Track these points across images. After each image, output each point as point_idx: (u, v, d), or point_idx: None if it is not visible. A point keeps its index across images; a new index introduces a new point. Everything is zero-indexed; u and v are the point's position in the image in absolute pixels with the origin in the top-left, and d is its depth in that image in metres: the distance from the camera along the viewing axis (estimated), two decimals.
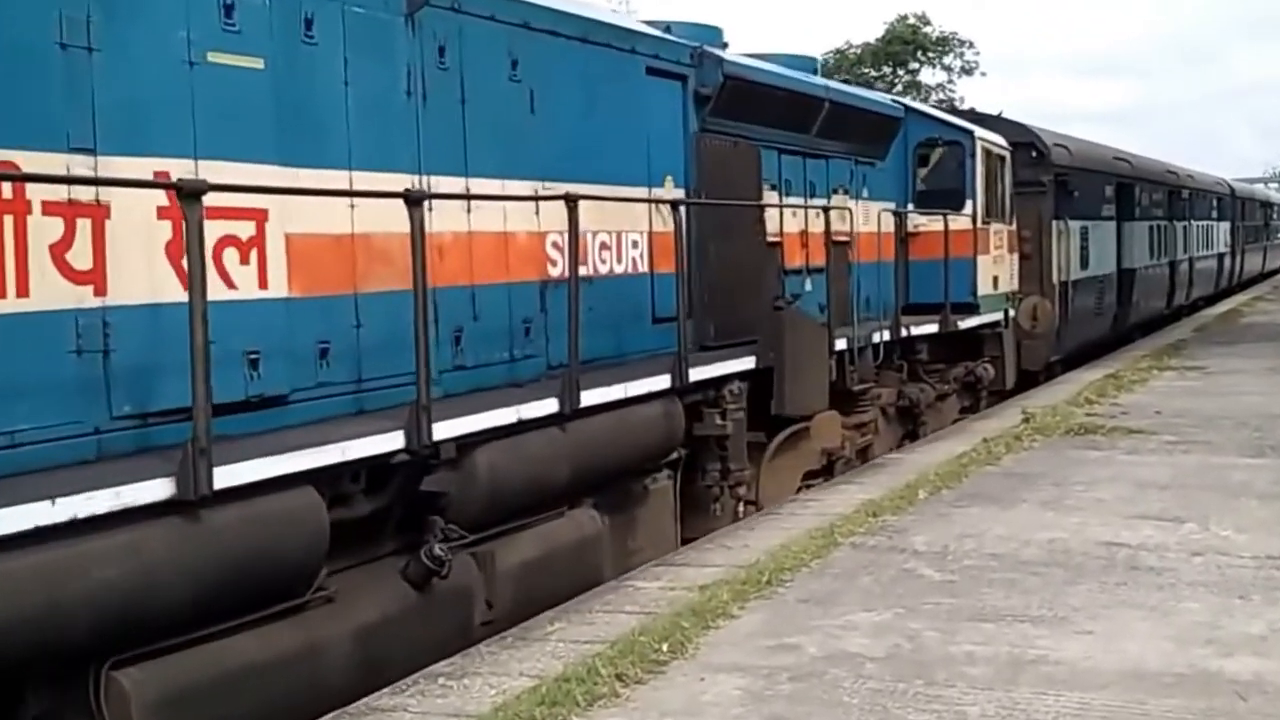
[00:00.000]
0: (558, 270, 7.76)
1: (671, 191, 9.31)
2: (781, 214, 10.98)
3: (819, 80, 12.50)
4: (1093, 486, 9.33)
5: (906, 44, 50.92)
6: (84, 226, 5.03)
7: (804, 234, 11.41)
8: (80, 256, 5.01)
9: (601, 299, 8.30)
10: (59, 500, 4.40)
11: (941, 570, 7.07)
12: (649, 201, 8.97)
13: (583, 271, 7.78)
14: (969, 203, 14.58)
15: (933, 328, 13.54)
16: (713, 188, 9.61)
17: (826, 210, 11.17)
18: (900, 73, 51.15)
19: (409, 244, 6.01)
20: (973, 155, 14.66)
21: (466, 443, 6.50)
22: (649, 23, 10.07)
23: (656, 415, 8.26)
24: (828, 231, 11.08)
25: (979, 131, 15.14)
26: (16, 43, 4.81)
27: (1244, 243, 40.28)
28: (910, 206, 14.24)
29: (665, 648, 5.59)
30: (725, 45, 10.71)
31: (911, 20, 51.06)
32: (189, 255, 4.92)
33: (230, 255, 5.63)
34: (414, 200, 6.03)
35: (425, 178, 6.81)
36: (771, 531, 8.20)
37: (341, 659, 5.75)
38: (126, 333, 5.15)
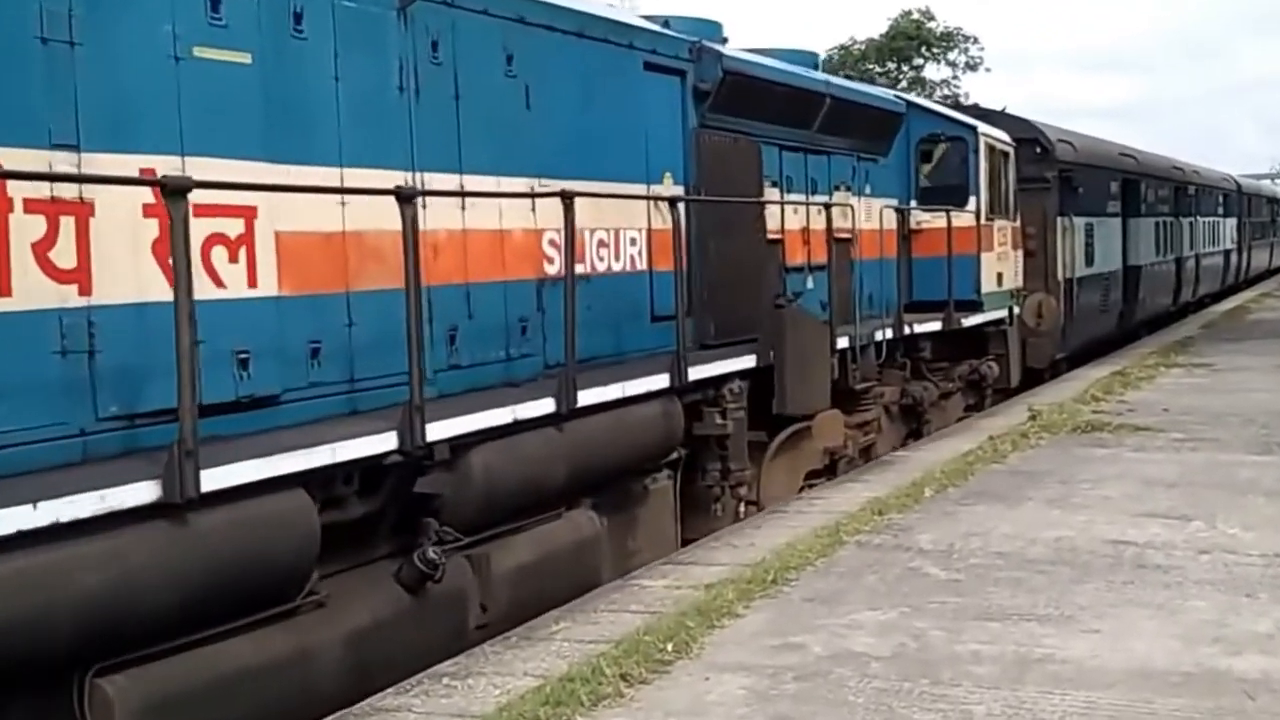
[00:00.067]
0: (554, 268, 7.67)
1: (670, 188, 9.23)
2: (783, 211, 10.89)
3: (820, 75, 12.40)
4: (1099, 484, 9.30)
5: (911, 40, 50.79)
6: (67, 224, 4.95)
7: (805, 231, 11.32)
8: (64, 255, 4.93)
9: (599, 297, 8.23)
10: (40, 504, 4.32)
11: (947, 569, 7.04)
12: (647, 199, 8.88)
13: (580, 269, 7.70)
14: (972, 199, 14.48)
15: (936, 325, 13.47)
16: (712, 184, 9.52)
17: (828, 207, 11.08)
18: (905, 69, 51.03)
19: (401, 241, 5.92)
20: (976, 151, 14.56)
21: (461, 443, 6.42)
22: (648, 17, 9.99)
23: (655, 415, 8.17)
24: (829, 228, 10.99)
25: (982, 127, 15.04)
26: None
27: (1250, 239, 40.18)
28: (913, 203, 14.16)
29: (670, 647, 5.59)
30: (725, 40, 10.63)
31: (916, 16, 50.97)
32: (173, 253, 4.86)
33: (219, 253, 5.55)
34: (405, 197, 5.95)
35: (418, 174, 6.73)
36: (777, 530, 8.20)
37: (332, 664, 5.66)
38: (112, 333, 5.07)
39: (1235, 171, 42.19)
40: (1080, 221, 19.92)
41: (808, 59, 12.62)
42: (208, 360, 5.33)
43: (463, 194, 7.05)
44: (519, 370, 7.46)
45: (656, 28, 9.54)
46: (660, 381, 8.15)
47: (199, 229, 5.33)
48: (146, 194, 5.14)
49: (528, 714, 4.83)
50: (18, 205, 4.75)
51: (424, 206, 6.56)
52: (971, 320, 14.28)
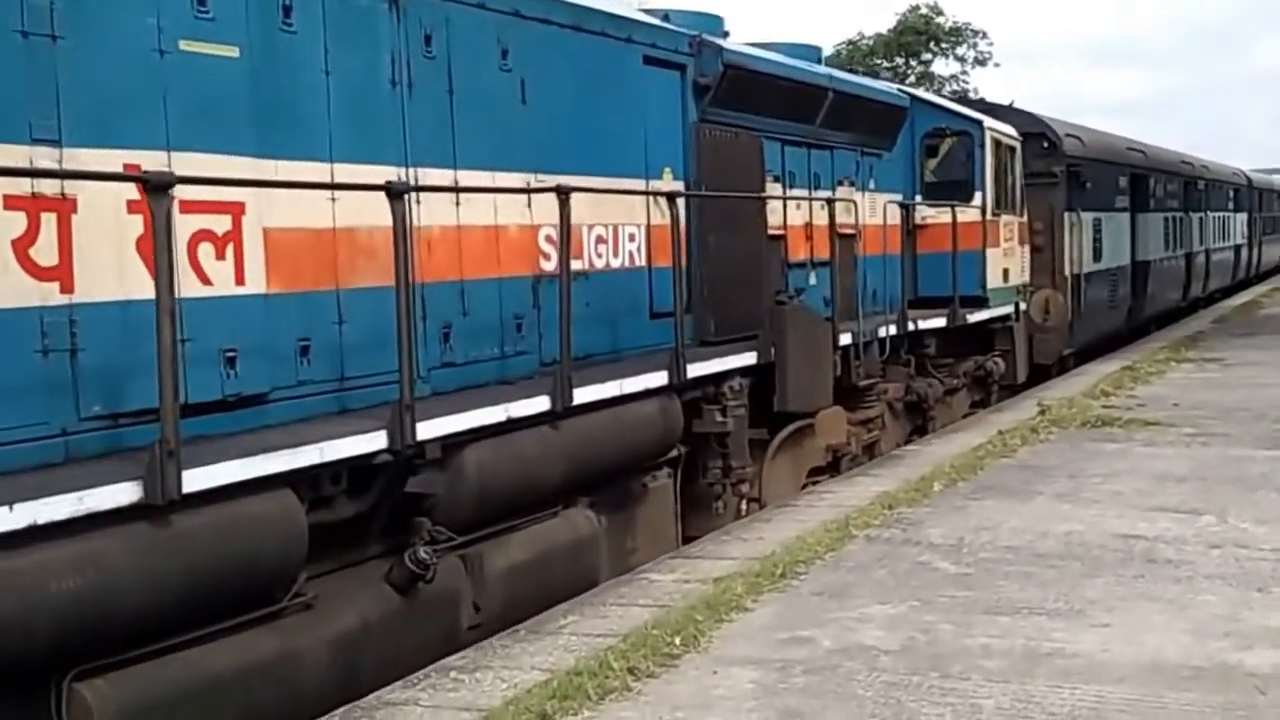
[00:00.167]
0: (551, 265, 7.57)
1: (670, 183, 9.13)
2: (785, 206, 10.78)
3: (822, 69, 12.28)
4: (1110, 479, 9.23)
5: (919, 35, 50.65)
6: (49, 221, 4.86)
7: (808, 226, 11.23)
8: (45, 252, 4.84)
9: (597, 294, 8.14)
10: (17, 506, 4.23)
11: (957, 563, 7.01)
12: (646, 194, 8.78)
13: (578, 265, 7.61)
14: (978, 194, 14.36)
15: (941, 321, 13.36)
16: (713, 179, 9.42)
17: (831, 202, 10.96)
18: (913, 64, 50.88)
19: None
20: (981, 146, 14.45)
21: (454, 442, 6.32)
22: (647, 11, 9.88)
23: (653, 412, 8.06)
24: (832, 224, 10.87)
25: (988, 121, 14.92)
26: None
27: (1262, 234, 39.98)
28: (918, 198, 14.05)
29: (678, 641, 5.57)
30: (726, 34, 10.54)
31: (924, 10, 50.83)
32: (156, 250, 4.74)
33: (205, 250, 5.47)
34: (396, 193, 5.85)
35: (411, 170, 6.64)
36: (786, 524, 8.18)
37: (320, 666, 5.56)
38: (95, 331, 4.99)
39: (1247, 165, 41.95)
40: (1088, 217, 19.79)
41: (811, 53, 12.50)
42: (194, 359, 5.26)
43: (456, 189, 6.96)
44: (514, 367, 7.36)
45: (656, 21, 9.44)
46: (658, 379, 8.04)
47: (185, 225, 5.26)
48: (131, 190, 5.03)
49: (535, 708, 4.80)
50: None
51: (417, 202, 6.49)
52: (977, 316, 14.17)
